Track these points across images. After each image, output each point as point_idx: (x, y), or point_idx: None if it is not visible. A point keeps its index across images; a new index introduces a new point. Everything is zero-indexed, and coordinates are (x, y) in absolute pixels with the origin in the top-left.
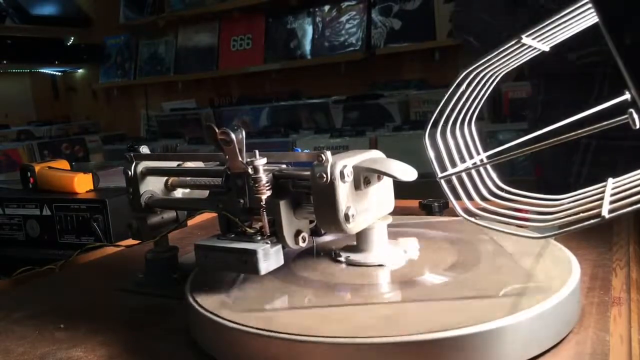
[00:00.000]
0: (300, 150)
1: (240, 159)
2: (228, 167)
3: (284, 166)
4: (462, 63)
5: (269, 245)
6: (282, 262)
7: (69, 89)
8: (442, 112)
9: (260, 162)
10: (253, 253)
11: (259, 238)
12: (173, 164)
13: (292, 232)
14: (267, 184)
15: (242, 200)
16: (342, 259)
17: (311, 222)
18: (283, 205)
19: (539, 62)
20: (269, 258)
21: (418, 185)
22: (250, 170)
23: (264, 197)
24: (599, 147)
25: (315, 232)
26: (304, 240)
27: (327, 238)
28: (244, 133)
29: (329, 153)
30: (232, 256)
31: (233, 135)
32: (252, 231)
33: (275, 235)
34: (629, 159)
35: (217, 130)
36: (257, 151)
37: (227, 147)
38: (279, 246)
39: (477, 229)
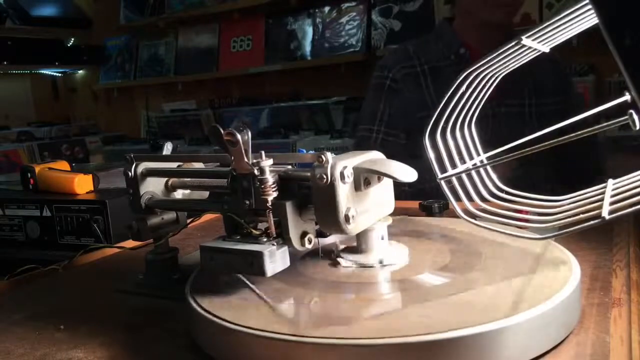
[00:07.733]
0: (304, 152)
1: (246, 160)
2: (233, 168)
3: (289, 167)
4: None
5: (275, 247)
6: (288, 263)
7: (69, 90)
8: (442, 113)
9: (267, 163)
10: (259, 255)
11: (265, 239)
12: (173, 165)
13: (298, 233)
14: (273, 185)
15: (247, 202)
16: (342, 260)
17: (317, 223)
18: (289, 206)
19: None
20: (275, 259)
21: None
22: (256, 172)
23: (270, 198)
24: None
25: (320, 234)
26: (310, 242)
27: (332, 239)
28: (249, 134)
29: (329, 154)
30: (238, 258)
31: (239, 136)
32: (257, 232)
33: (281, 236)
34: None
35: (222, 131)
36: (263, 152)
37: (233, 148)
38: (285, 247)
39: (477, 230)
